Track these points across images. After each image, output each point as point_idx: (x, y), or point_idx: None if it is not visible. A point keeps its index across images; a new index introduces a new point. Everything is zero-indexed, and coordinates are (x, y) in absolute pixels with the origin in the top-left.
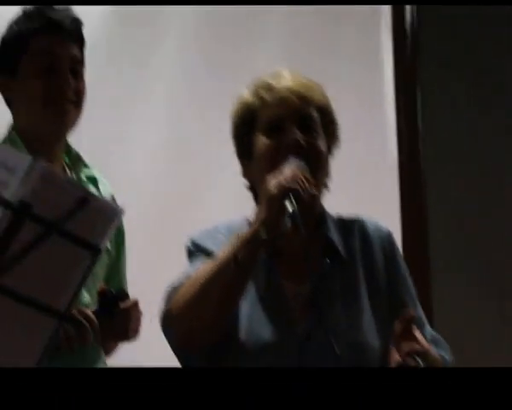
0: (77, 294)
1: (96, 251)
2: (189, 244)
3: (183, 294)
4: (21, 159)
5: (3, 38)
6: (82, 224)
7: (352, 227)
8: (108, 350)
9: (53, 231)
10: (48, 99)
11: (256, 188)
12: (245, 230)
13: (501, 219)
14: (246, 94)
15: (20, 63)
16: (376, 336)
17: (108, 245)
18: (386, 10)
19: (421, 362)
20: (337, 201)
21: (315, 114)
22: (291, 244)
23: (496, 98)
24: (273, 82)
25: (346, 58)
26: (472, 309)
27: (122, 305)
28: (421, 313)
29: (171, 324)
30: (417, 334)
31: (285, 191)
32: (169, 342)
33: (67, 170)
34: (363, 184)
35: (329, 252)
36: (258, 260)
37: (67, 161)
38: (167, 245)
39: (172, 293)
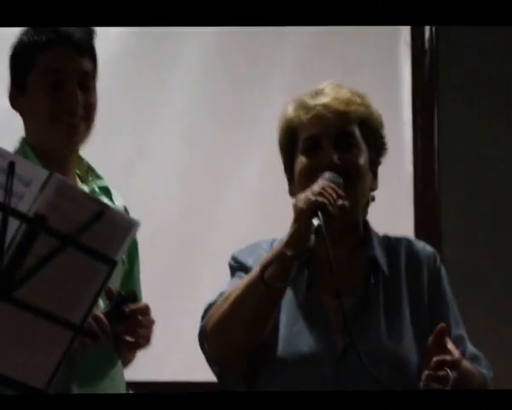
0: (92, 306)
1: (111, 264)
2: (231, 260)
3: (216, 311)
4: (37, 172)
5: (13, 50)
6: (97, 236)
7: (397, 246)
8: (124, 359)
9: (68, 244)
10: (55, 115)
11: None
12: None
13: None
14: (288, 110)
15: (28, 78)
16: (416, 352)
17: (122, 255)
18: (405, 29)
19: (450, 373)
20: None
21: (353, 129)
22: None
23: None
24: (309, 100)
25: (363, 76)
26: (487, 326)
27: (132, 306)
28: (462, 332)
29: (206, 340)
30: (449, 345)
31: (312, 205)
32: (205, 358)
33: (79, 181)
34: (379, 202)
35: (373, 270)
36: (289, 276)
37: (79, 172)
38: (183, 260)
39: (208, 310)
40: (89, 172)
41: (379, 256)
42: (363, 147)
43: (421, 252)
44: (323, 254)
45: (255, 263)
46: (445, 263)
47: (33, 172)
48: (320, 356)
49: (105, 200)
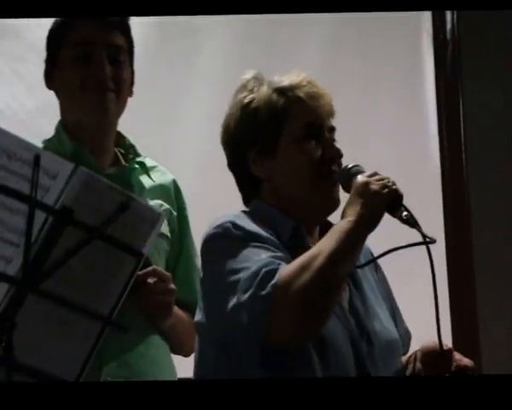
0: (121, 298)
1: (138, 256)
2: (232, 228)
3: (296, 299)
4: (64, 165)
5: (49, 30)
6: (124, 228)
7: None
8: (162, 331)
9: (94, 237)
10: (85, 87)
11: (273, 187)
12: (251, 224)
13: None
14: (271, 89)
15: (59, 53)
16: (395, 329)
17: (166, 229)
18: (427, 20)
19: None
20: None
21: None
22: None
23: None
24: (310, 88)
25: (388, 67)
26: None
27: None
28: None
29: (282, 320)
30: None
31: (391, 194)
32: (261, 341)
33: (122, 160)
34: (407, 193)
35: None
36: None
37: (122, 150)
38: None
39: (266, 277)
40: (130, 151)
41: None
42: None
43: None
44: None
45: (261, 231)
46: (475, 255)
47: (60, 165)
48: (341, 337)
49: (142, 177)
